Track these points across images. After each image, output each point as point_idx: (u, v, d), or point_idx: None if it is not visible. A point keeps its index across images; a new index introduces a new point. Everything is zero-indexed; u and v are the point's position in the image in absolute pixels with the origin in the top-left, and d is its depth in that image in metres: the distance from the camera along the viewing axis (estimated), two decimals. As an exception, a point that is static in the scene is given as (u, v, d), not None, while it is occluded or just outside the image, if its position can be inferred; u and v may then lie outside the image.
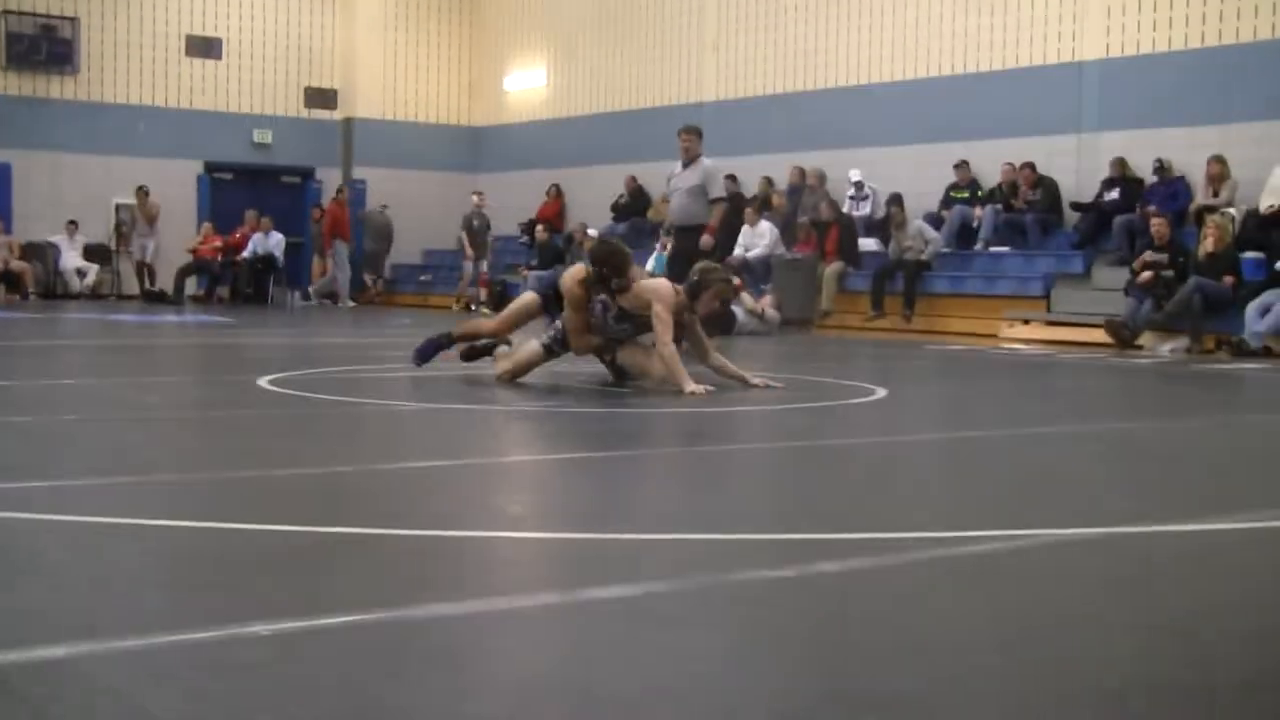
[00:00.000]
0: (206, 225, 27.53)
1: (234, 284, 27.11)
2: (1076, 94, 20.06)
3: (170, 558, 3.97)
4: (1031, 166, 20.07)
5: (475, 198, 27.04)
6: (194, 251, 27.03)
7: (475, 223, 26.38)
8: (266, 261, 26.94)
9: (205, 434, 7.10)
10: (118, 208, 26.78)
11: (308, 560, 3.96)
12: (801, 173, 23.03)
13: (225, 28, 28.88)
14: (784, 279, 20.38)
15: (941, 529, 4.65)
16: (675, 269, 13.40)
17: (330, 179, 29.84)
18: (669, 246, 16.13)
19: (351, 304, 27.03)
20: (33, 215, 26.46)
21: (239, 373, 10.84)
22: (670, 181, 15.41)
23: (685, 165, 15.05)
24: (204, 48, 28.61)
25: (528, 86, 29.96)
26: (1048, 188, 20.00)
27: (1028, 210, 19.96)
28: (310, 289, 27.81)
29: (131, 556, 3.96)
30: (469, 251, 26.30)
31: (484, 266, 26.50)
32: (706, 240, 14.51)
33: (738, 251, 21.31)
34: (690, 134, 15.14)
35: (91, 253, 26.85)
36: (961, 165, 20.91)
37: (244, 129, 29.02)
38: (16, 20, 26.73)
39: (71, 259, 26.65)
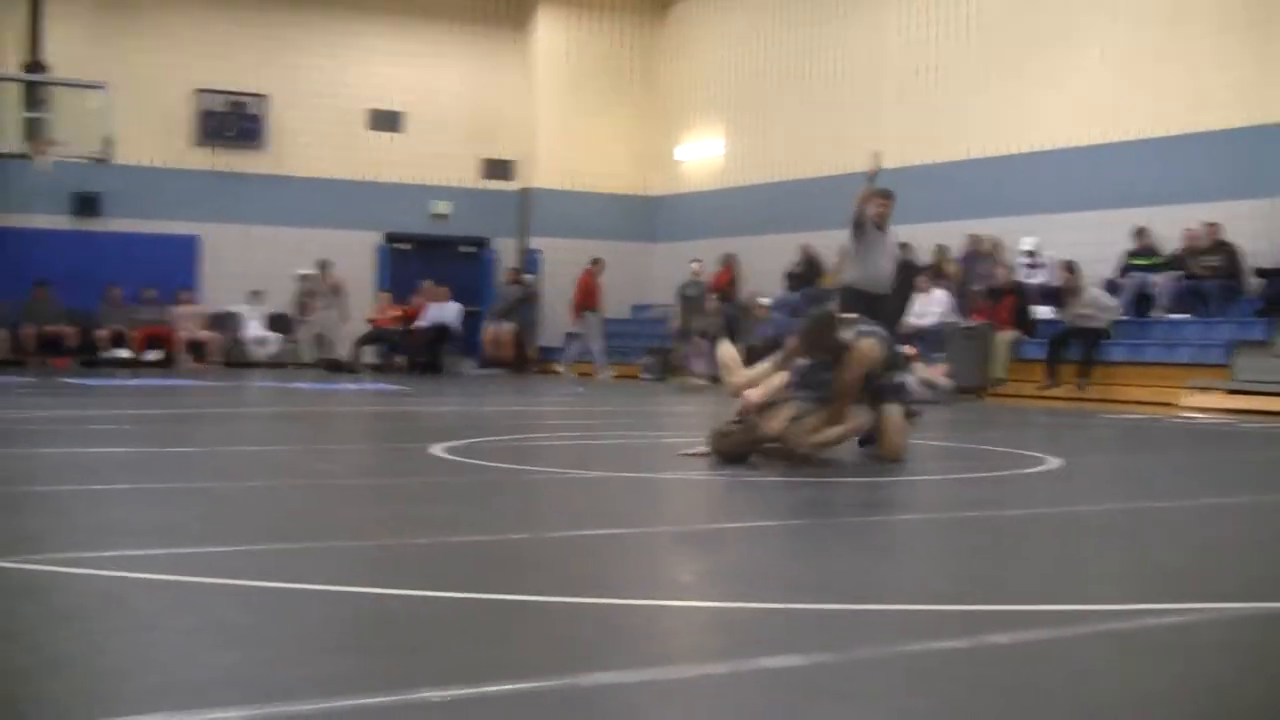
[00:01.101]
0: (384, 294, 27.99)
1: (410, 353, 27.49)
2: (1264, 157, 19.66)
3: (348, 622, 4.05)
4: (1215, 227, 19.70)
5: (695, 265, 26.32)
6: (372, 320, 27.48)
7: (690, 292, 25.60)
8: (442, 331, 27.30)
9: (380, 501, 7.22)
10: (301, 278, 27.32)
11: (479, 627, 4.03)
12: (975, 240, 22.89)
13: (406, 101, 29.44)
14: (957, 347, 20.22)
15: (1116, 602, 4.60)
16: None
17: (506, 248, 30.22)
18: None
19: (612, 374, 26.56)
20: (221, 286, 27.18)
21: (414, 440, 11.01)
22: (874, 246, 13.92)
23: (884, 230, 14.06)
24: (386, 121, 29.20)
25: (702, 156, 30.13)
26: (1228, 253, 19.67)
27: (1209, 276, 19.62)
28: (561, 364, 27.66)
29: (312, 621, 4.05)
30: (677, 321, 25.54)
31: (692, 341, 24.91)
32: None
33: (911, 319, 21.21)
34: (885, 199, 14.14)
35: (274, 322, 27.41)
36: (1141, 232, 20.62)
37: (422, 200, 29.52)
38: (209, 98, 27.52)
39: (254, 328, 27.24)
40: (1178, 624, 4.24)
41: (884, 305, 13.68)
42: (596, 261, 27.63)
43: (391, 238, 29.30)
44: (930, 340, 20.85)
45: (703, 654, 3.84)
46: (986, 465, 9.56)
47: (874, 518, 6.93)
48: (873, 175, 13.59)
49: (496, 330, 27.90)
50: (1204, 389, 18.31)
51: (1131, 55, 21.32)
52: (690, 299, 25.40)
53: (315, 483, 7.81)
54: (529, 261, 29.92)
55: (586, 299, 27.17)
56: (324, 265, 27.11)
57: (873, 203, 13.80)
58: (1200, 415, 16.96)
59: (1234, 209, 19.83)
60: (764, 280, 26.23)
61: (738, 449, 8.70)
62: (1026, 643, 3.90)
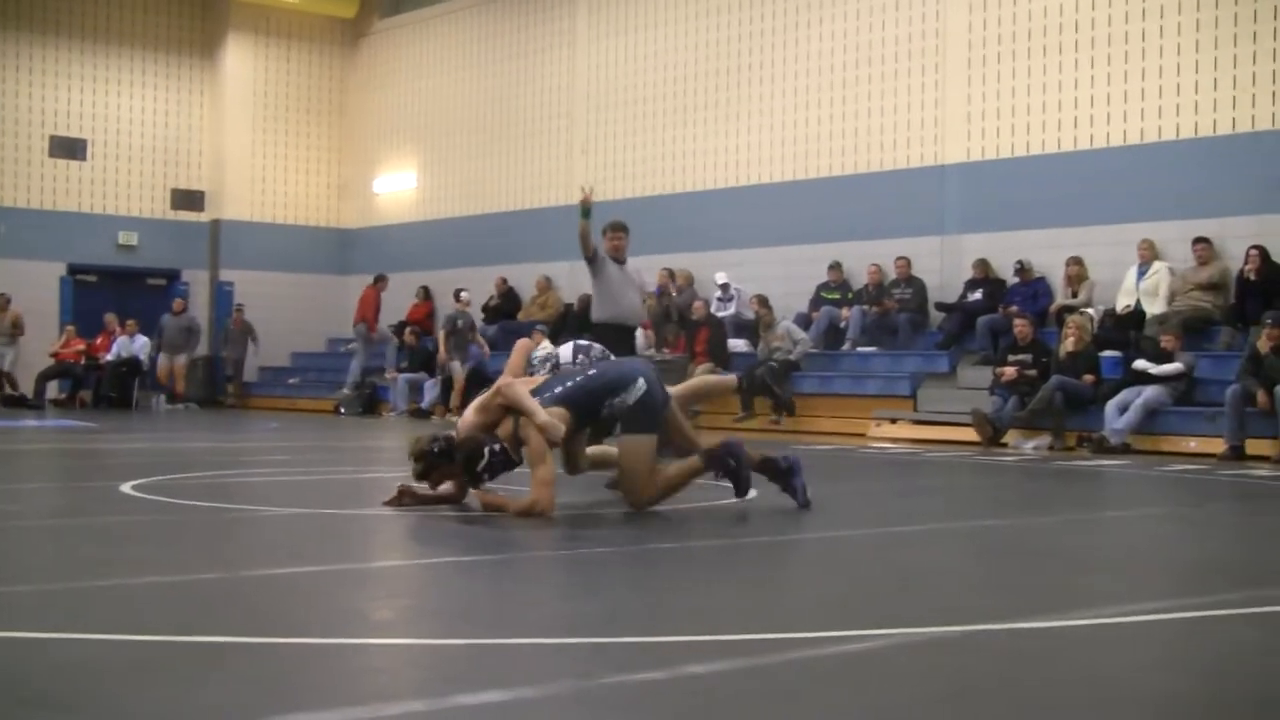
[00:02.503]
0: (69, 328, 27.15)
1: (97, 388, 26.72)
2: (939, 197, 20.45)
3: (23, 672, 3.89)
4: (907, 261, 20.37)
5: (465, 294, 25.03)
6: (56, 355, 26.63)
7: (459, 323, 24.20)
8: (131, 365, 26.59)
9: (65, 542, 6.98)
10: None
11: (167, 671, 3.91)
12: (670, 274, 23.20)
13: (90, 129, 28.64)
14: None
15: (812, 629, 4.68)
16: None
17: (197, 280, 29.62)
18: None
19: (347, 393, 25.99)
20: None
21: (102, 478, 10.68)
22: (615, 280, 13.67)
23: (621, 264, 13.81)
24: (68, 148, 28.34)
25: (397, 189, 29.98)
26: (917, 287, 20.33)
27: (899, 310, 20.23)
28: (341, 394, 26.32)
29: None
30: (444, 353, 24.10)
31: (458, 369, 23.58)
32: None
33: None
34: (624, 231, 13.94)
35: (-51, 357, 26.34)
36: (835, 266, 21.18)
37: (109, 230, 28.72)
38: None
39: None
40: (869, 650, 4.34)
41: (628, 338, 13.84)
42: (381, 278, 27.21)
43: (75, 269, 28.44)
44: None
45: (401, 692, 3.79)
46: (683, 497, 9.66)
47: (570, 551, 6.95)
48: (586, 209, 13.60)
49: (170, 364, 27.10)
50: (891, 420, 18.85)
51: (828, 97, 21.91)
52: (459, 331, 24.24)
53: (-5, 523, 7.52)
54: (220, 294, 29.40)
55: (365, 312, 26.63)
56: (3, 301, 26.14)
57: (606, 237, 13.82)
58: (888, 445, 17.44)
59: (916, 245, 20.52)
60: (461, 313, 26.20)
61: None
62: (722, 672, 3.94)
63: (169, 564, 6.05)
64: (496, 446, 7.94)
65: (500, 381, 8.23)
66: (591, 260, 13.59)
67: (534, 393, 8.09)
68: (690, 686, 3.78)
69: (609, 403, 8.17)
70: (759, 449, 8.63)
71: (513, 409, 7.99)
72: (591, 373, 8.39)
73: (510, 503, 7.91)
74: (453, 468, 8.01)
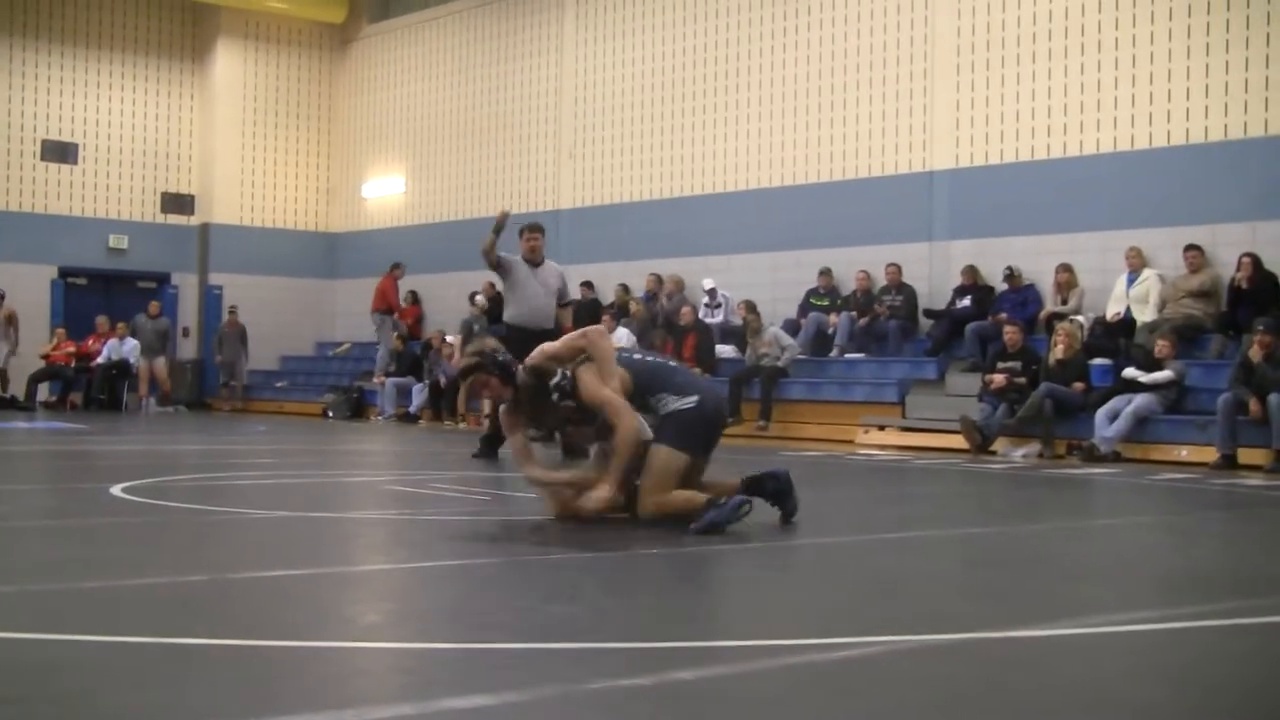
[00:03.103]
0: (60, 330, 27.14)
1: (87, 390, 26.69)
2: (928, 203, 20.46)
3: (11, 671, 3.88)
4: (897, 268, 20.40)
5: (479, 298, 24.69)
6: (46, 357, 26.61)
7: (476, 327, 23.53)
8: (121, 368, 26.56)
9: (54, 543, 6.96)
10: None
11: (154, 673, 3.90)
12: (658, 280, 23.21)
13: (82, 132, 28.64)
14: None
15: (798, 636, 4.67)
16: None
17: (186, 284, 29.63)
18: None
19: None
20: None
21: (91, 480, 10.66)
22: (525, 283, 13.97)
23: (534, 265, 14.00)
24: (59, 152, 28.34)
25: (385, 193, 29.98)
26: (908, 294, 20.33)
27: (889, 316, 20.24)
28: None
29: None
30: (460, 358, 23.02)
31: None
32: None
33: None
34: (538, 232, 14.21)
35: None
36: (825, 272, 21.18)
37: (99, 234, 28.71)
38: None
39: (-82, 365, 26.09)
40: (859, 657, 4.33)
41: (535, 343, 13.32)
42: (396, 266, 26.99)
43: (66, 272, 28.43)
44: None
45: (389, 695, 3.78)
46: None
47: (557, 555, 6.94)
48: (499, 227, 13.69)
49: (149, 365, 26.97)
50: (879, 426, 18.86)
51: (816, 103, 21.93)
52: (476, 335, 22.35)
53: (-19, 526, 7.50)
54: (209, 297, 29.41)
55: (389, 299, 26.48)
56: (-3, 297, 26.17)
57: (523, 239, 13.98)
58: (876, 452, 17.44)
59: (904, 252, 20.55)
60: (449, 318, 26.20)
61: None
62: (711, 678, 3.94)
63: (157, 566, 6.04)
64: (568, 373, 7.71)
65: (593, 329, 8.06)
66: (495, 268, 13.91)
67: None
68: (677, 692, 3.78)
69: (659, 396, 7.84)
70: (742, 470, 8.46)
71: (590, 360, 7.78)
72: (673, 364, 8.34)
73: (566, 485, 7.86)
74: (506, 388, 7.79)
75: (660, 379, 7.91)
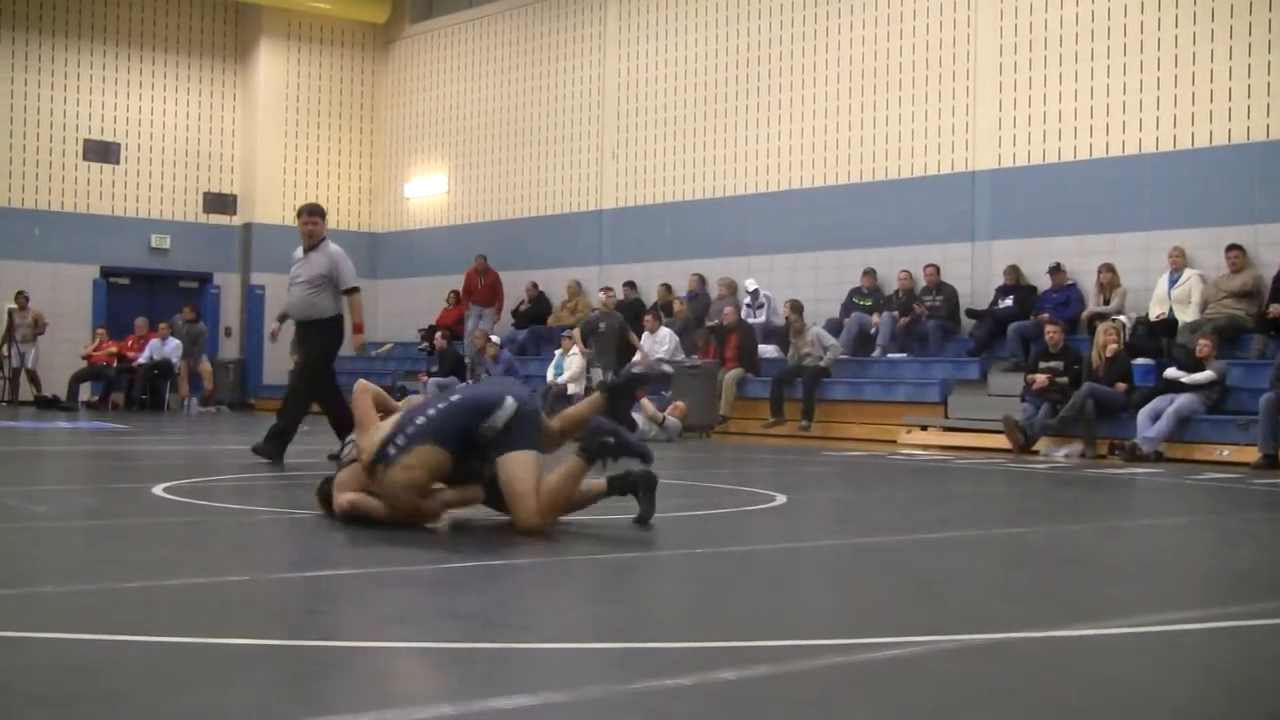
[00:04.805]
0: (101, 330, 27.28)
1: (129, 390, 26.82)
2: (970, 203, 20.41)
3: (49, 671, 3.89)
4: (936, 269, 20.36)
5: (603, 295, 23.53)
6: (88, 358, 26.76)
7: (602, 326, 22.21)
8: (163, 368, 26.68)
9: (96, 543, 7.00)
10: (10, 313, 26.49)
11: (194, 672, 3.91)
12: (701, 280, 23.20)
13: (124, 132, 28.78)
14: (684, 386, 20.38)
15: (839, 636, 4.66)
16: (307, 372, 12.66)
17: (229, 284, 29.76)
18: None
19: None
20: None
21: (133, 480, 10.71)
22: (291, 269, 13.00)
23: (308, 250, 12.79)
24: (102, 152, 28.49)
25: (427, 193, 30.04)
26: (948, 294, 20.28)
27: (929, 316, 20.20)
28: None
29: (10, 669, 3.88)
30: (584, 352, 22.17)
31: (601, 374, 20.92)
32: (360, 340, 13.18)
33: (636, 358, 21.38)
34: (314, 215, 12.93)
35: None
36: (869, 272, 21.14)
37: (142, 234, 28.86)
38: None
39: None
40: (900, 657, 4.32)
41: (310, 335, 12.74)
42: (480, 257, 26.78)
43: (108, 272, 28.57)
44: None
45: (430, 696, 3.79)
46: (713, 503, 9.66)
47: (602, 555, 6.94)
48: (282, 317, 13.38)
49: (190, 366, 27.05)
50: (921, 426, 18.82)
51: (859, 103, 21.91)
52: (603, 334, 22.16)
53: (27, 525, 7.54)
54: (251, 297, 29.55)
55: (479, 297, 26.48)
56: (22, 299, 26.25)
57: (300, 221, 12.96)
58: (918, 452, 17.40)
59: (946, 252, 20.50)
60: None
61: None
62: (753, 679, 3.93)
63: (197, 566, 6.06)
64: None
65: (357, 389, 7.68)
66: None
67: (392, 433, 7.24)
68: (720, 692, 3.77)
69: (482, 426, 7.20)
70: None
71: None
72: (454, 398, 7.41)
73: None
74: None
75: (462, 415, 7.28)
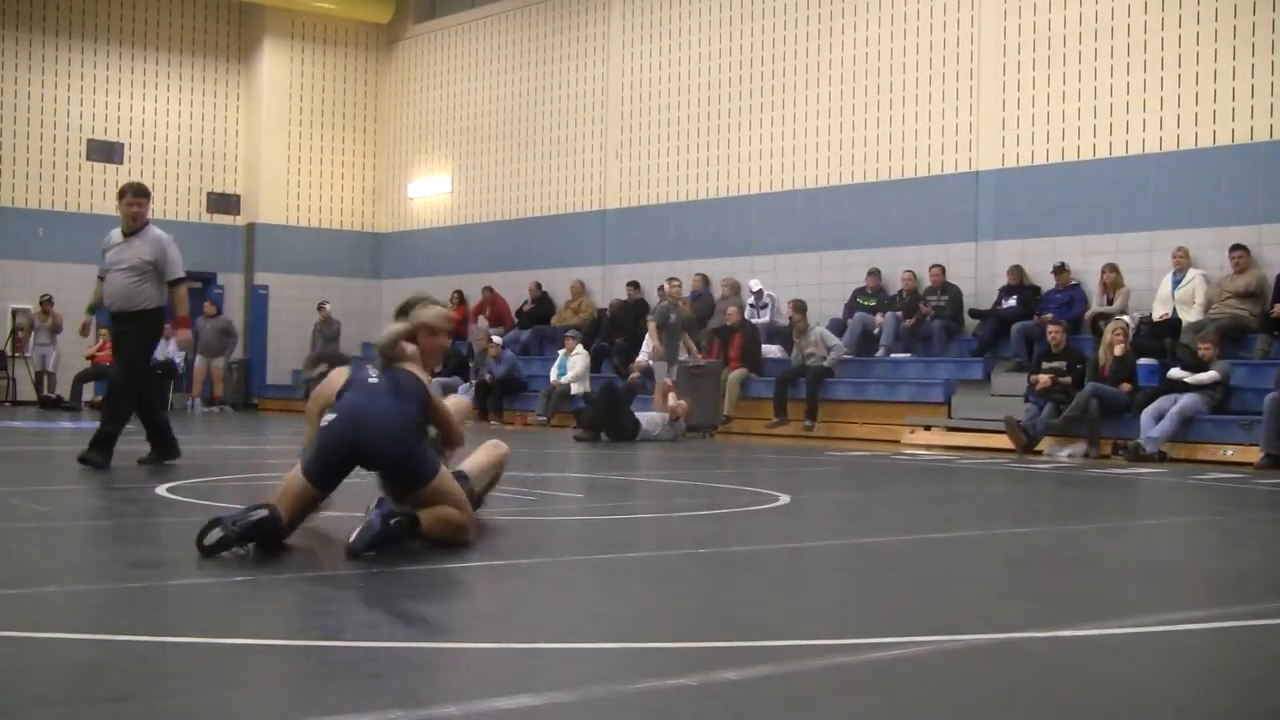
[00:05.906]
0: (104, 331, 27.24)
1: (133, 390, 26.76)
2: (973, 203, 20.40)
3: (55, 671, 3.89)
4: (942, 269, 20.35)
5: (668, 285, 22.06)
6: (92, 358, 26.75)
7: (672, 317, 20.94)
8: (166, 368, 26.65)
9: (100, 543, 7.00)
10: (14, 313, 26.47)
11: (201, 673, 3.91)
12: (704, 280, 23.20)
13: (127, 132, 28.79)
14: (688, 385, 20.35)
15: (843, 637, 4.66)
16: (129, 369, 11.78)
17: (232, 284, 29.76)
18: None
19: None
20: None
21: (138, 480, 10.70)
22: (107, 255, 11.94)
23: (128, 235, 11.79)
24: (105, 152, 28.49)
25: (431, 193, 30.04)
26: (953, 294, 20.27)
27: (935, 316, 20.19)
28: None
29: (14, 670, 3.88)
30: (658, 348, 20.90)
31: (670, 374, 20.37)
32: (185, 336, 12.64)
33: (641, 358, 21.38)
34: (139, 195, 11.91)
35: (-17, 358, 26.50)
36: (874, 273, 21.14)
37: (145, 234, 28.80)
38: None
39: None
40: (904, 657, 4.32)
41: (131, 328, 11.83)
42: (487, 288, 26.87)
43: (111, 272, 28.51)
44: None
45: (434, 696, 3.78)
46: (717, 503, 9.66)
47: (604, 556, 6.94)
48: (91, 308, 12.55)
49: (206, 367, 27.09)
50: (925, 426, 18.81)
51: (862, 103, 21.90)
52: (671, 326, 20.88)
53: (30, 525, 7.54)
54: (254, 297, 29.54)
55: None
56: (46, 303, 26.28)
57: (123, 203, 11.91)
58: (922, 452, 17.39)
59: (949, 252, 20.50)
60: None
61: None
62: (756, 679, 3.93)
63: (201, 566, 6.06)
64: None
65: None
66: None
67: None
68: (724, 693, 3.77)
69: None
70: None
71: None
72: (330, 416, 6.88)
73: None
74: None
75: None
